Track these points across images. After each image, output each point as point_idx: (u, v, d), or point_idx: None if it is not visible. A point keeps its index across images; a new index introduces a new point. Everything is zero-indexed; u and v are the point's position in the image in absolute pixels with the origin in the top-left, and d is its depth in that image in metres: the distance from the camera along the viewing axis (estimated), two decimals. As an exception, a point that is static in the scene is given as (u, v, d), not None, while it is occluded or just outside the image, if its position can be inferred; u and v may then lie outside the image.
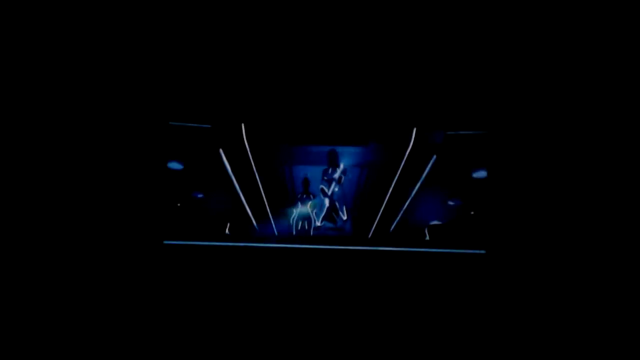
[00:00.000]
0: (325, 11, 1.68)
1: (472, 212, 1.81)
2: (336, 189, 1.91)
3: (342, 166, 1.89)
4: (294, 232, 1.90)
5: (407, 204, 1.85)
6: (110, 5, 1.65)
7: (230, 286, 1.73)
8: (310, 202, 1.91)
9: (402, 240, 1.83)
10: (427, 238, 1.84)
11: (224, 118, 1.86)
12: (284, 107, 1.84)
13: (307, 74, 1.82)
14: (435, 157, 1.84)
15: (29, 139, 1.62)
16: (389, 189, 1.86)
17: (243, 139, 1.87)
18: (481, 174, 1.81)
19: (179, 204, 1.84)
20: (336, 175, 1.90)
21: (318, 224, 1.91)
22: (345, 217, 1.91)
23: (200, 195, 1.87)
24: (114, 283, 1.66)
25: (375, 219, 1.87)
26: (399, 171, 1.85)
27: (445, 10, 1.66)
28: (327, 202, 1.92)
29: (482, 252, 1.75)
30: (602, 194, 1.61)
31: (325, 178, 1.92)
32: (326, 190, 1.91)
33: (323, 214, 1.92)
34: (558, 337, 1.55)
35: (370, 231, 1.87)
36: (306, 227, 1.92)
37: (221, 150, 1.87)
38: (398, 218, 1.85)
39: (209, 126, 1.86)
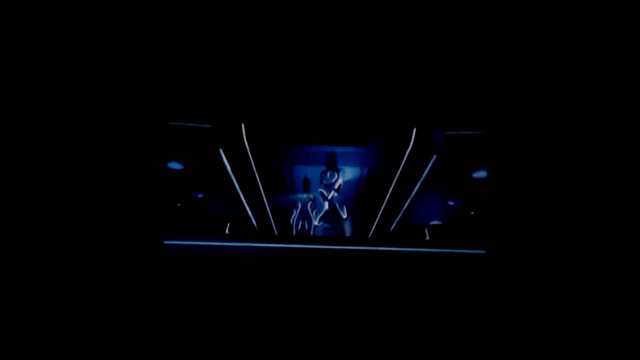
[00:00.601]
0: (325, 11, 1.68)
1: (472, 212, 1.81)
2: (335, 195, 1.91)
3: (341, 180, 1.89)
4: (294, 232, 1.90)
5: (407, 204, 1.85)
6: (110, 5, 1.65)
7: (230, 286, 1.73)
8: (306, 196, 1.91)
9: (402, 240, 1.83)
10: (427, 238, 1.84)
11: (224, 118, 1.86)
12: (283, 107, 1.84)
13: (306, 74, 1.82)
14: (435, 157, 1.84)
15: (28, 139, 1.62)
16: (389, 189, 1.86)
17: (243, 139, 1.87)
18: (481, 174, 1.81)
19: (179, 204, 1.84)
20: (335, 184, 1.90)
21: (316, 223, 1.91)
22: (345, 216, 1.91)
23: (200, 195, 1.88)
24: (113, 283, 1.66)
25: (375, 219, 1.87)
26: (399, 171, 1.85)
27: (445, 9, 1.66)
28: (326, 205, 1.92)
29: (482, 252, 1.76)
30: (602, 194, 1.61)
31: (324, 183, 1.91)
32: (325, 194, 1.91)
33: (321, 214, 1.92)
34: (558, 337, 1.55)
35: (370, 231, 1.87)
36: (306, 227, 1.92)
37: (221, 150, 1.87)
38: (398, 218, 1.85)
39: (209, 126, 1.87)
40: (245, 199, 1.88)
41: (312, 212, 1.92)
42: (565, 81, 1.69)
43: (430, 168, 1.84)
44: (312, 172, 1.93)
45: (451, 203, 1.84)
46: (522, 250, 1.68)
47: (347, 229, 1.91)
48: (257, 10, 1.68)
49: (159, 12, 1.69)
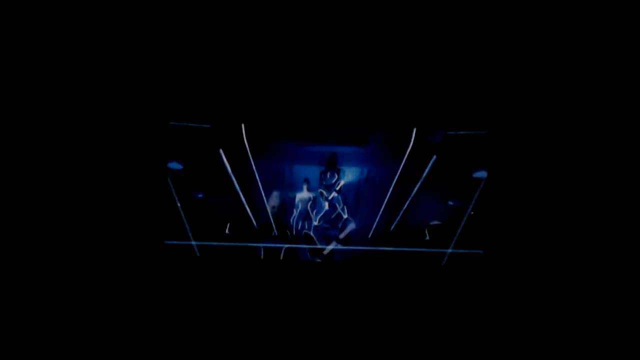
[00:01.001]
0: (325, 11, 1.68)
1: (472, 212, 1.81)
2: (336, 195, 1.91)
3: (342, 180, 1.89)
4: (294, 232, 1.90)
5: (407, 204, 1.85)
6: (110, 5, 1.65)
7: (230, 286, 1.73)
8: (305, 196, 1.91)
9: (402, 240, 1.83)
10: (427, 238, 1.84)
11: (224, 118, 1.86)
12: (284, 108, 1.84)
13: (307, 74, 1.82)
14: (435, 157, 1.84)
15: (29, 139, 1.62)
16: (389, 189, 1.86)
17: (243, 139, 1.87)
18: (481, 174, 1.81)
19: (179, 204, 1.84)
20: (336, 184, 1.90)
21: (316, 223, 1.91)
22: (345, 216, 1.91)
23: (200, 195, 1.88)
24: (114, 283, 1.66)
25: (375, 219, 1.87)
26: (399, 171, 1.85)
27: (445, 10, 1.66)
28: (326, 205, 1.92)
29: (480, 252, 1.76)
30: (601, 194, 1.61)
31: (324, 183, 1.91)
32: (326, 194, 1.91)
33: (321, 214, 1.92)
34: (553, 334, 1.55)
35: (370, 231, 1.87)
36: (306, 227, 1.92)
37: (221, 150, 1.87)
38: (398, 218, 1.86)
39: (209, 126, 1.86)
40: (245, 199, 1.88)
41: (312, 212, 1.92)
42: (565, 81, 1.69)
43: (430, 168, 1.84)
44: (312, 172, 1.93)
45: (451, 203, 1.84)
46: (519, 250, 1.68)
47: (348, 229, 1.91)
48: (258, 11, 1.68)
49: (160, 13, 1.69)
